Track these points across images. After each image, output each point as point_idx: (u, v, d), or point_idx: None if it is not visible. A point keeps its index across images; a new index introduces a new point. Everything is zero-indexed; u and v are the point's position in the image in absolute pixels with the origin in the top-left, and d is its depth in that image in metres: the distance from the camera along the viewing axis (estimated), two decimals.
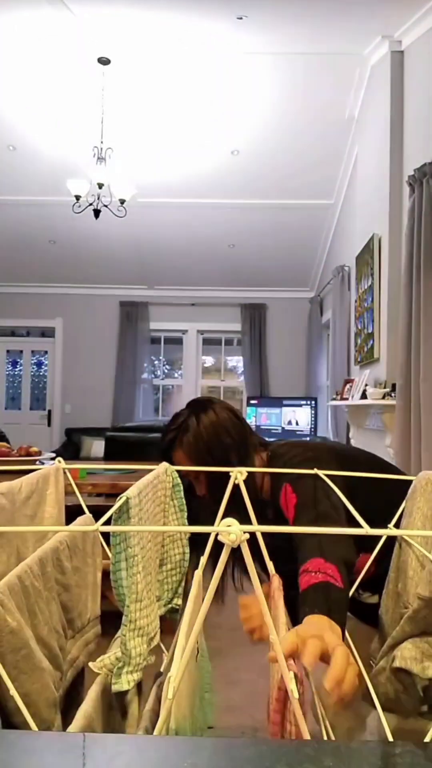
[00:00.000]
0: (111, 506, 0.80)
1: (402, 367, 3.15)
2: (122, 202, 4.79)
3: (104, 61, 4.39)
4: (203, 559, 1.05)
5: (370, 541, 1.13)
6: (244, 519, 0.92)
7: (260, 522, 1.12)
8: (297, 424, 7.02)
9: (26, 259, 7.14)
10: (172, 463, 1.30)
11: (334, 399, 5.12)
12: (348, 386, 4.64)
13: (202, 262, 7.11)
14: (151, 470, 1.10)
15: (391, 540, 1.07)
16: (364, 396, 3.87)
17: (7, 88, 4.68)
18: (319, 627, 0.75)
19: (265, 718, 0.92)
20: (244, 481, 0.96)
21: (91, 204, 4.76)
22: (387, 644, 0.86)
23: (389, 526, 1.17)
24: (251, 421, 7.11)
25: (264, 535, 1.04)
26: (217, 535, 0.55)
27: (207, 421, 1.29)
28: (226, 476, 1.08)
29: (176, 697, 0.59)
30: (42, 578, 0.86)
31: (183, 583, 1.17)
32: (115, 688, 0.84)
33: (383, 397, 3.54)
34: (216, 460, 1.27)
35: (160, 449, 1.34)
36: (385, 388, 3.63)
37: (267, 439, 1.48)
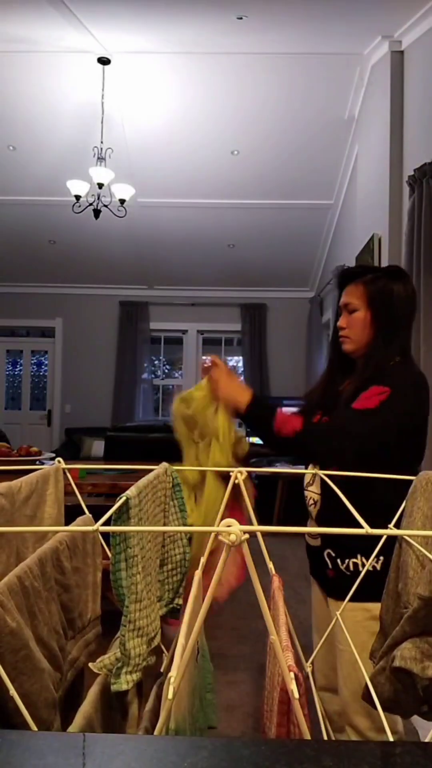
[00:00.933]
0: (111, 506, 0.80)
1: None
2: (122, 202, 4.79)
3: (104, 61, 4.39)
4: (203, 559, 1.06)
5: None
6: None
7: None
8: None
9: (26, 259, 7.14)
10: (345, 285, 1.43)
11: None
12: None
13: (202, 262, 7.11)
14: (151, 470, 1.10)
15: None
16: None
17: (8, 88, 4.67)
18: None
19: (261, 717, 0.92)
20: None
21: (91, 204, 4.76)
22: (387, 644, 0.86)
23: (389, 526, 1.17)
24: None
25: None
26: (217, 534, 0.55)
27: (398, 286, 1.40)
28: (386, 337, 1.37)
29: (176, 697, 0.59)
30: (42, 579, 0.86)
31: (184, 583, 1.17)
32: (114, 688, 0.84)
33: None
34: (384, 317, 1.40)
35: (342, 273, 1.46)
36: None
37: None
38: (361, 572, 1.28)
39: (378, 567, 1.26)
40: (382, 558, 1.26)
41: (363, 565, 1.29)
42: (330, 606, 1.40)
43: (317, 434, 1.34)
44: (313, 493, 1.40)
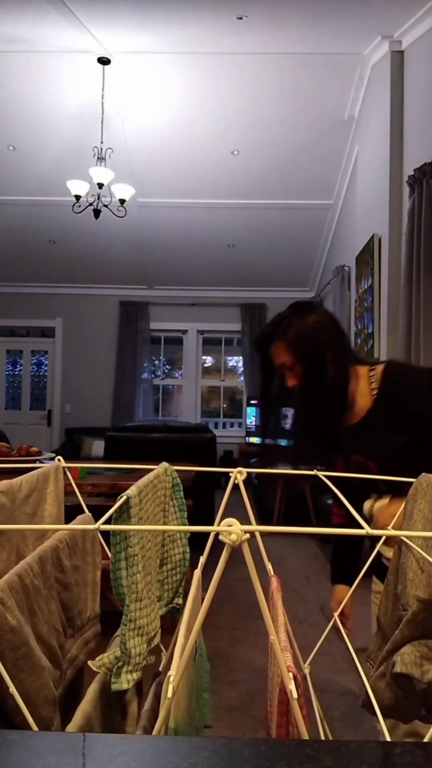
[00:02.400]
0: (111, 506, 0.80)
1: None
2: (122, 202, 4.79)
3: (104, 61, 4.39)
4: (203, 559, 1.06)
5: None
6: None
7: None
8: None
9: (26, 259, 7.14)
10: (266, 354, 1.38)
11: None
12: None
13: (202, 262, 7.11)
14: (151, 470, 1.10)
15: None
16: None
17: (8, 88, 4.67)
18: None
19: (265, 717, 0.92)
20: None
21: (91, 204, 4.76)
22: (386, 649, 0.86)
23: (389, 527, 1.17)
24: (251, 421, 7.11)
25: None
26: (217, 535, 0.55)
27: (310, 320, 1.37)
28: (322, 372, 1.30)
29: (175, 696, 0.59)
30: (42, 577, 0.86)
31: (184, 583, 1.17)
32: (114, 687, 0.84)
33: None
34: (313, 355, 1.34)
35: (257, 341, 1.41)
36: None
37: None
38: None
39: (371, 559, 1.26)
40: None
41: None
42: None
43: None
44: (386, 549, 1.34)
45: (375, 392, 1.37)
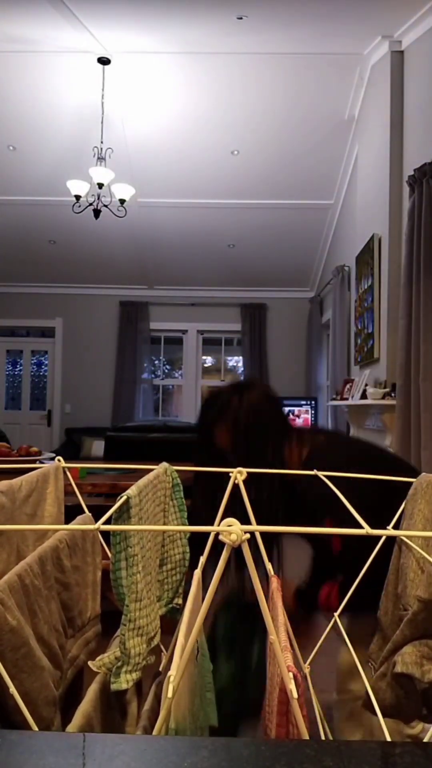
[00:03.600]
0: (111, 506, 0.80)
1: (402, 367, 3.15)
2: (122, 202, 4.79)
3: (104, 61, 4.39)
4: (203, 559, 1.06)
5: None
6: (243, 517, 0.95)
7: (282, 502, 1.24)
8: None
9: (26, 259, 7.13)
10: (212, 438, 1.33)
11: (334, 399, 5.12)
12: (348, 386, 4.64)
13: (202, 262, 7.11)
14: (151, 470, 1.10)
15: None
16: (364, 396, 3.88)
17: (8, 88, 4.67)
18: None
19: (263, 717, 0.92)
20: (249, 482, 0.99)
21: (91, 204, 4.76)
22: (387, 649, 0.85)
23: (388, 527, 1.17)
24: None
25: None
26: (217, 535, 0.55)
27: (247, 403, 1.33)
28: (261, 453, 1.23)
29: (176, 696, 0.59)
30: (42, 577, 0.86)
31: (183, 583, 1.17)
32: (113, 687, 0.84)
33: (383, 397, 3.54)
34: (253, 441, 1.31)
35: (199, 424, 1.37)
36: (385, 388, 3.63)
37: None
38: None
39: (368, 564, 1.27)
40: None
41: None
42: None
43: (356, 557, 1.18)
44: None
45: (304, 460, 1.33)
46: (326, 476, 1.18)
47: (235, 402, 1.34)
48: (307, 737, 0.61)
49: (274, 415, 1.36)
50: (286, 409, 7.05)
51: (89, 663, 0.91)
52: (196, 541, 1.21)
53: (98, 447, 6.79)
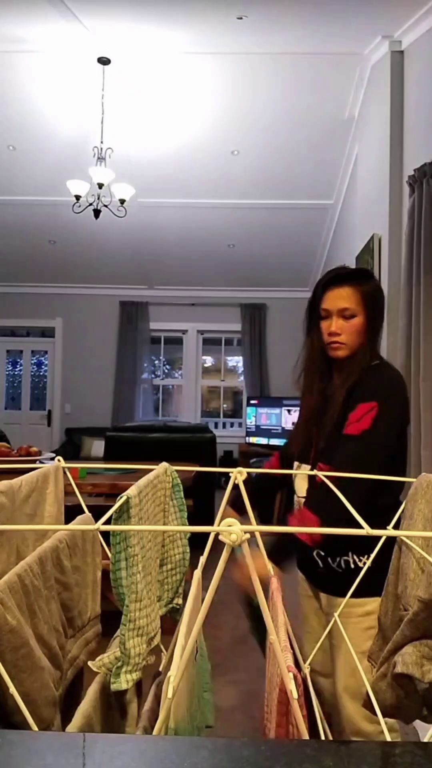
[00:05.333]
0: (111, 506, 0.80)
1: (402, 367, 3.15)
2: (122, 202, 4.79)
3: (104, 61, 4.39)
4: (202, 559, 1.06)
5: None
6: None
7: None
8: None
9: (26, 259, 7.14)
10: (325, 292, 1.40)
11: None
12: None
13: (202, 262, 7.11)
14: (151, 470, 1.10)
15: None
16: None
17: (8, 87, 4.67)
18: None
19: (261, 717, 0.92)
20: None
21: (91, 204, 4.76)
22: (387, 650, 0.85)
23: (388, 527, 1.18)
24: (251, 421, 7.11)
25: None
26: (217, 534, 0.55)
27: (382, 292, 1.44)
28: (377, 330, 1.40)
29: (176, 696, 0.59)
30: (42, 577, 0.86)
31: (183, 583, 1.17)
32: (113, 687, 0.84)
33: None
34: (380, 312, 1.41)
35: (336, 275, 1.42)
36: None
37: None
38: (352, 568, 1.33)
39: (369, 563, 1.31)
40: (371, 555, 1.30)
41: (354, 563, 1.32)
42: (322, 599, 1.44)
43: (330, 504, 1.22)
44: (300, 498, 1.43)
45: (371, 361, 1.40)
46: (326, 476, 1.18)
47: (373, 278, 1.44)
48: (307, 737, 0.61)
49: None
50: (286, 408, 7.06)
51: (89, 663, 0.91)
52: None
53: (98, 447, 6.79)
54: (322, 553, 1.37)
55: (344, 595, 1.27)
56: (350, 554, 1.33)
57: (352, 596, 1.24)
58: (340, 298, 1.38)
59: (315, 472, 1.34)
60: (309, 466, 1.41)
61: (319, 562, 1.38)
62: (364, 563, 1.31)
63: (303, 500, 1.40)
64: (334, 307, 1.38)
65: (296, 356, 1.58)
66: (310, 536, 1.26)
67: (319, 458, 1.38)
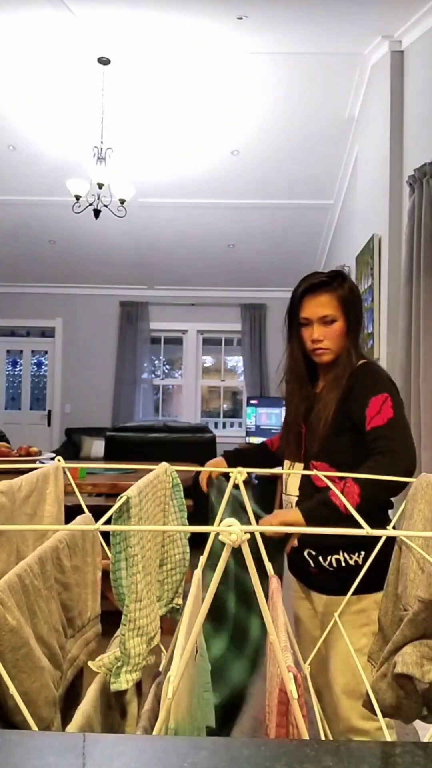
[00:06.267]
0: (111, 506, 0.80)
1: (402, 367, 3.15)
2: (122, 202, 4.79)
3: (104, 61, 4.39)
4: (202, 559, 1.06)
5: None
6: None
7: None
8: None
9: (26, 259, 7.13)
10: (302, 300, 1.44)
11: None
12: None
13: (202, 262, 7.11)
14: (151, 470, 1.10)
15: None
16: None
17: (8, 88, 4.67)
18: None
19: (262, 717, 0.92)
20: None
21: (91, 204, 4.76)
22: (388, 650, 0.85)
23: (388, 527, 1.18)
24: (251, 421, 7.11)
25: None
26: (217, 534, 0.55)
27: (358, 291, 1.50)
28: (357, 332, 1.43)
29: (176, 696, 0.59)
30: (42, 577, 0.86)
31: (183, 583, 1.17)
32: (113, 687, 0.84)
33: None
34: (356, 316, 1.45)
35: (311, 284, 1.46)
36: None
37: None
38: (344, 566, 1.34)
39: (360, 561, 1.31)
40: (363, 552, 1.32)
41: (345, 561, 1.33)
42: (314, 599, 1.44)
43: (377, 480, 1.23)
44: (291, 496, 1.43)
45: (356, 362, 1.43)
46: (326, 476, 1.18)
47: (348, 281, 1.47)
48: (307, 737, 0.61)
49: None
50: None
51: (89, 663, 0.91)
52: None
53: (98, 447, 6.79)
54: (313, 553, 1.38)
55: (337, 594, 1.28)
56: (341, 552, 1.34)
57: (346, 594, 1.25)
58: (319, 305, 1.41)
59: (315, 472, 1.34)
60: (302, 465, 1.44)
61: (311, 561, 1.39)
62: (356, 561, 1.33)
63: (295, 499, 1.41)
64: (314, 315, 1.42)
65: None
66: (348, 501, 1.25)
67: (314, 458, 1.40)
